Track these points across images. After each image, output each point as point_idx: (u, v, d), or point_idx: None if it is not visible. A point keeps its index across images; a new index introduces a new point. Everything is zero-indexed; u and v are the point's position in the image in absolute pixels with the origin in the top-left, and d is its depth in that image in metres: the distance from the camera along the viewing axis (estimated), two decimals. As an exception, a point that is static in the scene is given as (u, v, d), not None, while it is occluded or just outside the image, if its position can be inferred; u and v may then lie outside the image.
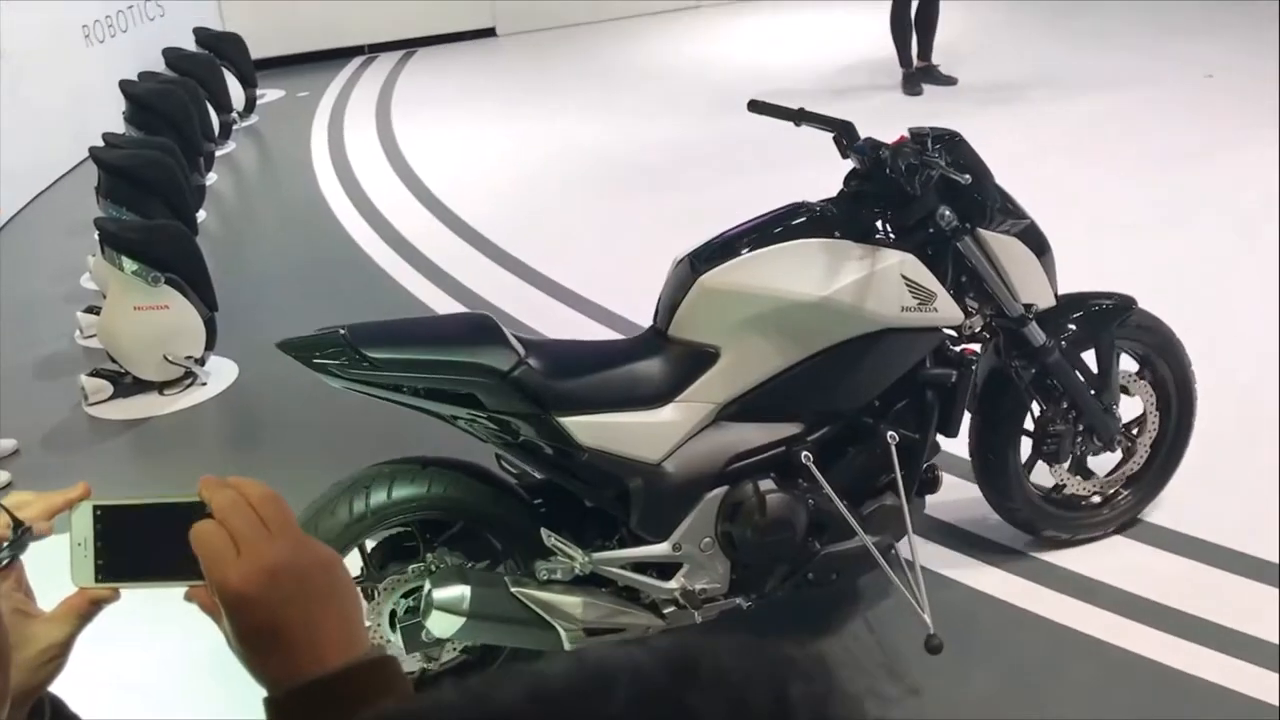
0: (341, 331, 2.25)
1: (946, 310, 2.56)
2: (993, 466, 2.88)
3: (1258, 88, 6.39)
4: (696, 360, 2.45)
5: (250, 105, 8.43)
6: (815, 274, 2.44)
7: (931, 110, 6.61)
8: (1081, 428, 2.85)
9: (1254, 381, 3.57)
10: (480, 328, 2.33)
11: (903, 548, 2.65)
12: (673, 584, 2.49)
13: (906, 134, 2.59)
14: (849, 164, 2.62)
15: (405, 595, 2.45)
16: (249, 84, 8.43)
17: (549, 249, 5.24)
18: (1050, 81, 6.93)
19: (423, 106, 8.36)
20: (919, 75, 7.06)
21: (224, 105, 7.66)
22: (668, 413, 2.43)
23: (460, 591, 2.34)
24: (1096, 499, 3.00)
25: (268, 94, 9.05)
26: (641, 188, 6.01)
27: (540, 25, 10.38)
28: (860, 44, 8.20)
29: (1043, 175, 5.04)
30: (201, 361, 4.39)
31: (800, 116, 2.71)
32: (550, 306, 4.65)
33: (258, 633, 0.74)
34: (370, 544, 2.48)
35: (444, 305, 4.76)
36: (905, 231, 2.55)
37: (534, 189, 6.21)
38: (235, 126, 7.98)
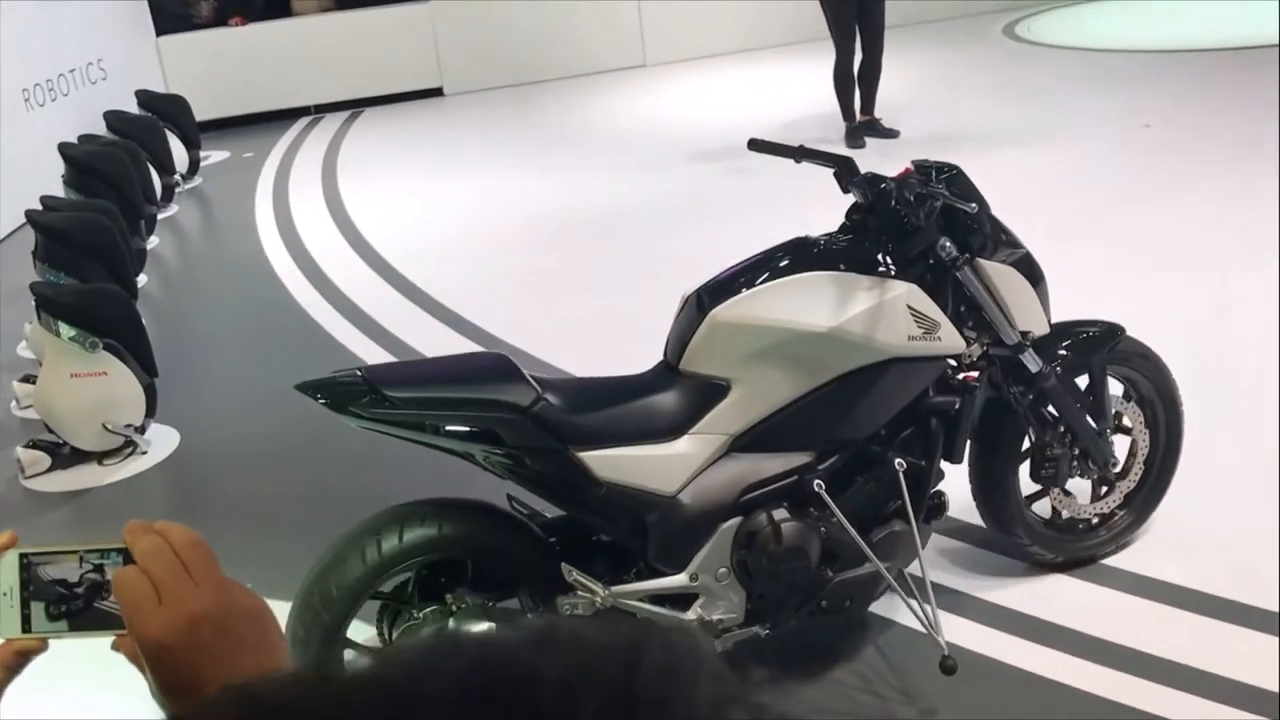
0: (359, 373, 2.31)
1: (950, 339, 2.64)
2: (994, 494, 2.95)
3: (1193, 138, 6.52)
4: (708, 393, 2.51)
5: (194, 167, 8.37)
6: (825, 305, 2.51)
7: (873, 164, 6.66)
8: (1077, 451, 2.93)
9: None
10: (497, 366, 2.40)
11: (911, 572, 2.73)
12: (690, 615, 2.52)
13: (911, 166, 2.70)
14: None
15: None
16: (192, 145, 8.37)
17: (495, 307, 5.21)
18: (988, 134, 7.03)
19: (369, 166, 8.34)
20: (862, 129, 7.15)
21: (166, 167, 7.58)
22: (682, 445, 2.48)
23: (486, 628, 2.32)
24: (1095, 520, 3.07)
25: (212, 155, 8.99)
26: (591, 244, 6.01)
27: (487, 85, 10.43)
28: (804, 98, 8.30)
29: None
30: (142, 429, 4.29)
31: (800, 154, 2.82)
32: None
33: (178, 684, 0.72)
34: (385, 588, 2.46)
35: (391, 367, 4.69)
36: (907, 263, 2.61)
37: (481, 248, 6.18)
38: (178, 188, 7.90)
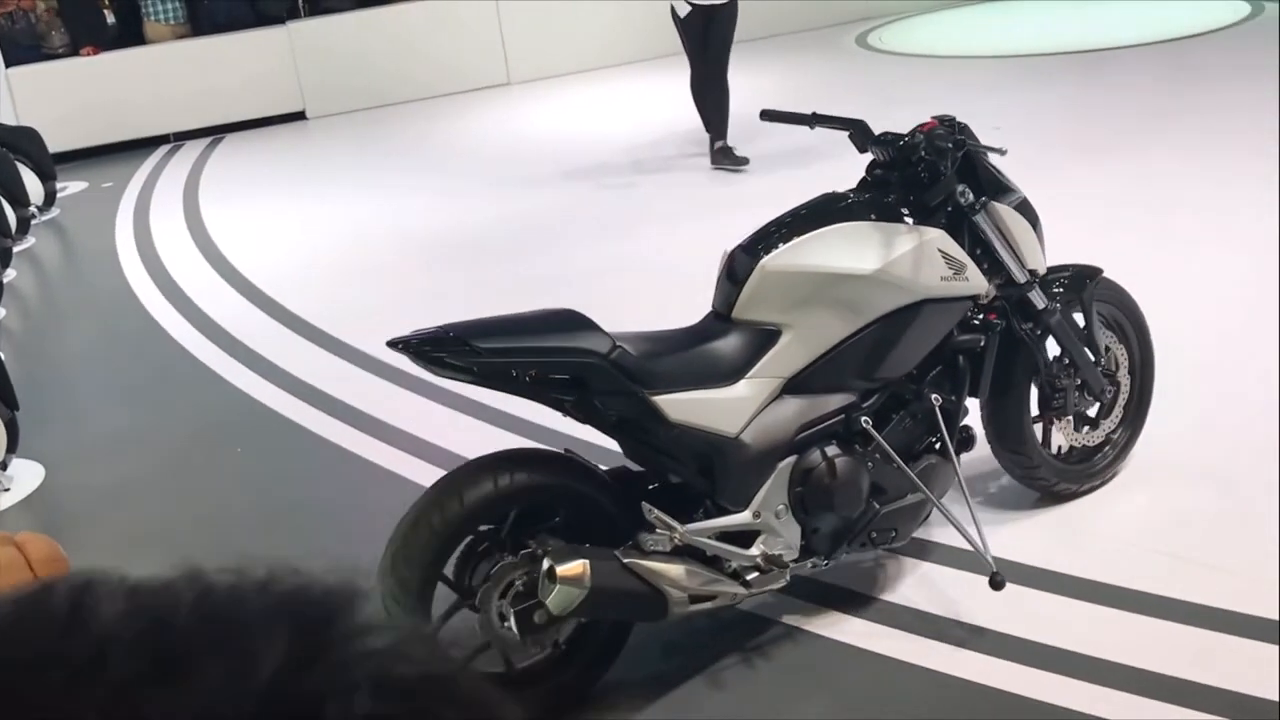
0: (449, 330, 2.43)
1: (976, 279, 2.88)
2: (1013, 430, 3.12)
3: (1037, 136, 6.83)
4: (762, 339, 2.69)
5: (50, 199, 8.17)
6: (867, 251, 2.73)
7: (732, 180, 6.85)
8: (1080, 382, 3.15)
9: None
10: (574, 318, 2.54)
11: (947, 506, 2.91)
12: (754, 550, 2.67)
13: (934, 119, 2.93)
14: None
15: (508, 587, 2.51)
16: (47, 177, 8.17)
17: (367, 328, 5.19)
18: (836, 150, 7.25)
19: (232, 192, 8.24)
20: (726, 150, 7.16)
21: (20, 200, 7.40)
22: (741, 388, 2.64)
23: (581, 564, 2.45)
24: (1098, 443, 3.29)
25: (69, 186, 8.78)
26: (461, 262, 6.04)
27: (351, 107, 10.36)
28: (669, 112, 8.45)
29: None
30: (3, 465, 4.20)
31: (814, 120, 3.09)
32: (373, 385, 4.61)
33: None
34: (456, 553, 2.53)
35: (260, 390, 4.68)
36: (929, 211, 2.85)
37: (350, 269, 6.17)
38: (34, 221, 7.71)
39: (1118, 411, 3.30)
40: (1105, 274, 3.23)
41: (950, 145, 2.82)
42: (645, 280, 5.34)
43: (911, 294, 2.76)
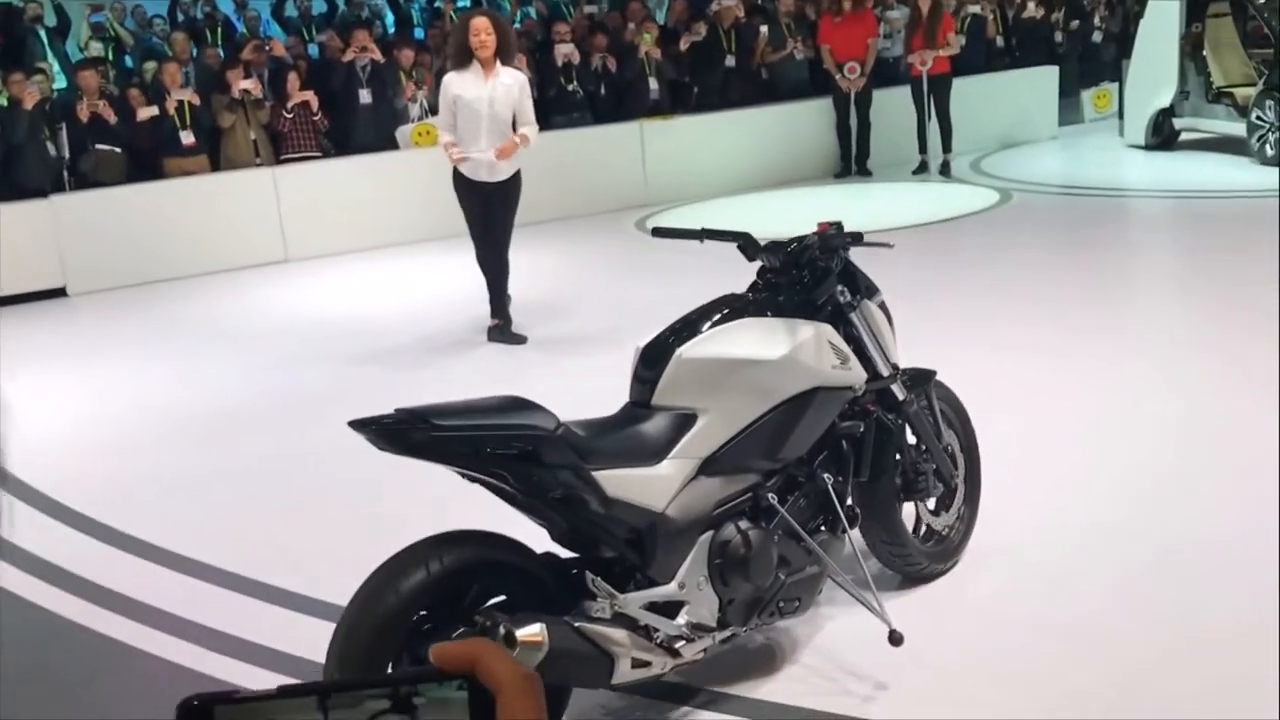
0: (409, 412, 2.51)
1: (857, 370, 3.20)
2: (882, 511, 3.37)
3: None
4: (680, 422, 2.90)
5: None
6: (773, 340, 3.02)
7: (509, 358, 6.85)
8: (935, 467, 3.47)
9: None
10: (521, 400, 2.70)
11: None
12: (680, 620, 2.84)
13: (825, 224, 3.29)
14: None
15: None
16: None
17: (132, 507, 4.85)
18: (630, 313, 7.39)
19: (-19, 370, 7.65)
20: (502, 327, 7.04)
21: None
22: (665, 467, 2.84)
23: (539, 628, 2.54)
24: (944, 530, 3.61)
25: None
26: (227, 438, 5.76)
27: (117, 283, 9.89)
28: (448, 291, 8.44)
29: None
30: None
31: (703, 235, 3.39)
32: (143, 571, 4.26)
33: None
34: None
35: (22, 584, 4.24)
36: (813, 309, 3.18)
37: (114, 449, 5.78)
38: None
39: (959, 496, 3.64)
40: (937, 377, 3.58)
41: (840, 244, 3.20)
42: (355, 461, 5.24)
43: (811, 380, 3.04)
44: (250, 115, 10.74)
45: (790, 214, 10.93)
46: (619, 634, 2.69)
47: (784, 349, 3.01)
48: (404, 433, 2.49)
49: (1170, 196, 10.17)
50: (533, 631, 2.52)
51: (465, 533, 2.66)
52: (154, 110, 10.36)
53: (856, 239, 3.26)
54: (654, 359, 2.96)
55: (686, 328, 3.02)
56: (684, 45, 12.32)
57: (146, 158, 10.57)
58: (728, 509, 2.95)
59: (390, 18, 14.37)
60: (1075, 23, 14.52)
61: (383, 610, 2.47)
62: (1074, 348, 5.92)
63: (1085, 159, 12.54)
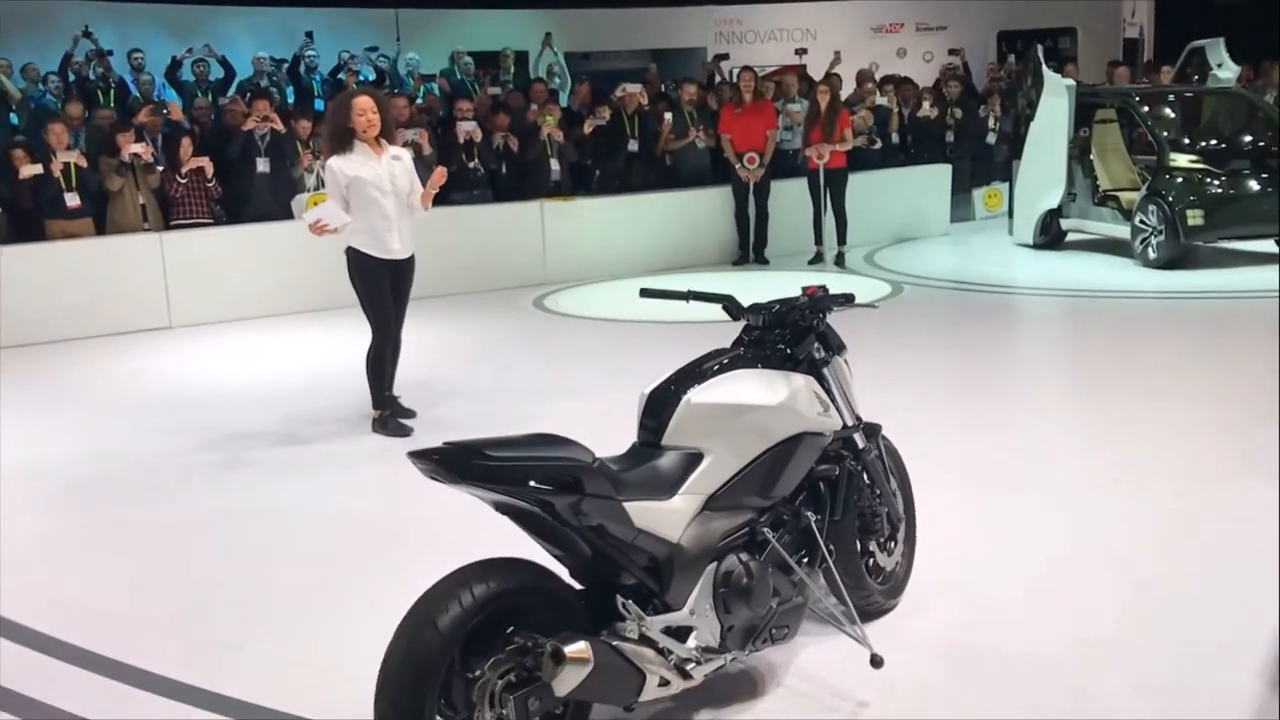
0: (463, 445, 2.68)
1: (834, 418, 3.57)
2: (846, 550, 3.65)
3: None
4: (688, 461, 3.15)
5: None
6: (771, 388, 3.35)
7: (383, 446, 6.69)
8: (886, 510, 3.82)
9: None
10: (555, 436, 2.89)
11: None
12: (691, 643, 3.08)
13: (814, 287, 3.67)
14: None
15: (501, 676, 2.72)
16: None
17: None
18: (527, 392, 7.28)
19: None
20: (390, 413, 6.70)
21: None
22: (677, 502, 3.08)
23: (584, 644, 2.73)
24: (891, 566, 3.91)
25: None
26: (104, 504, 5.50)
27: (-13, 345, 9.50)
28: (334, 362, 8.25)
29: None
30: None
31: (690, 296, 3.73)
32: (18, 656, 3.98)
33: None
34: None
35: None
36: (794, 363, 3.52)
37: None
38: None
39: (901, 537, 3.97)
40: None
41: (830, 305, 3.59)
42: (286, 525, 5.14)
43: (799, 425, 3.37)
44: (139, 179, 10.48)
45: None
46: (649, 652, 2.93)
47: (781, 396, 3.34)
48: (460, 463, 2.66)
49: (1056, 294, 10.43)
50: (579, 649, 2.72)
51: (493, 561, 2.80)
52: (38, 169, 10.05)
53: (848, 299, 3.61)
54: (663, 403, 3.20)
55: (691, 375, 3.29)
56: (587, 128, 12.40)
57: (29, 218, 10.22)
58: (729, 542, 3.21)
59: (291, 89, 14.23)
60: (964, 118, 14.95)
61: (424, 648, 2.60)
62: (955, 432, 5.96)
63: (975, 255, 12.84)
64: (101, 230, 10.39)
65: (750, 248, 12.54)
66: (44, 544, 5.09)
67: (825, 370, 3.59)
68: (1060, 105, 12.31)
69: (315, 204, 10.56)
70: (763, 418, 3.28)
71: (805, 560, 3.42)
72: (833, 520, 3.55)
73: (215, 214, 10.91)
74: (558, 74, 15.46)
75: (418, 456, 2.67)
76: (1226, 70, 12.94)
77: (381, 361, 6.60)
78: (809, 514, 3.43)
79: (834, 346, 3.67)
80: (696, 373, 3.31)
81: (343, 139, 6.29)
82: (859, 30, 20.25)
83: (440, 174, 6.57)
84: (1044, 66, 12.93)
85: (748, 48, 19.35)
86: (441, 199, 11.52)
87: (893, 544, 3.93)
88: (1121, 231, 11.71)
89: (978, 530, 4.67)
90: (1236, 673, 3.41)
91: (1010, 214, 13.37)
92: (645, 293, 3.85)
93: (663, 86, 14.42)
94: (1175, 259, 10.96)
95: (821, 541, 3.43)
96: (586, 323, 10.01)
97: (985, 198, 15.24)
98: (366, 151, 6.30)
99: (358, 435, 6.57)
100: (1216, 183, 11.03)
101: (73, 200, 10.14)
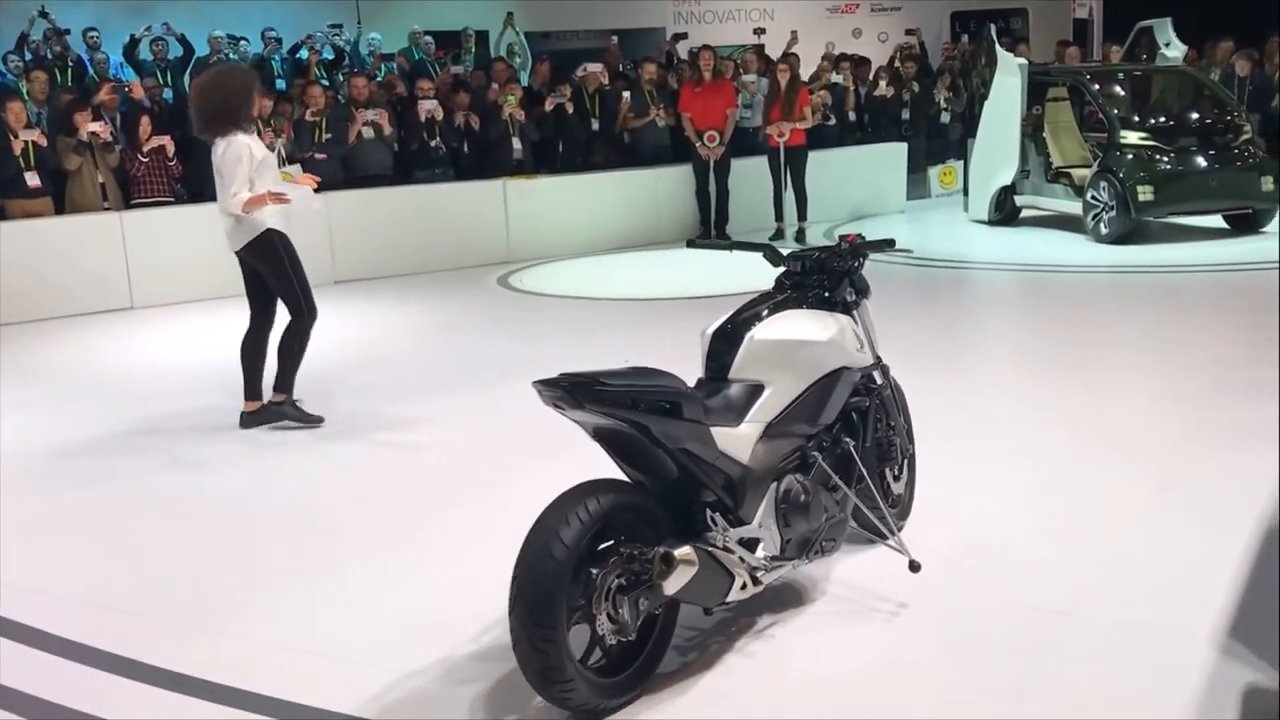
0: (580, 377, 3.04)
1: (867, 355, 4.01)
2: (872, 476, 3.95)
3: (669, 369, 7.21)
4: (751, 392, 3.51)
5: None
6: (822, 325, 3.76)
7: (343, 424, 6.76)
8: (896, 441, 4.21)
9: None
10: (651, 369, 3.24)
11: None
12: (760, 554, 3.45)
13: (853, 235, 4.07)
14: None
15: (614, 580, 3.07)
16: None
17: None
18: (492, 369, 7.37)
19: None
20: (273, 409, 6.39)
21: None
22: (745, 429, 3.43)
23: (690, 549, 3.13)
24: (899, 493, 4.30)
25: None
26: (68, 482, 5.53)
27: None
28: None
29: (417, 491, 5.26)
30: None
31: (733, 245, 4.25)
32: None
33: None
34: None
35: None
36: (830, 305, 3.91)
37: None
38: None
39: (906, 466, 4.33)
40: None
41: (869, 251, 4.00)
42: (246, 509, 5.18)
43: (842, 359, 3.78)
44: (98, 159, 10.43)
45: (651, 275, 11.09)
46: (733, 558, 3.29)
47: (831, 333, 3.75)
48: (582, 390, 3.00)
49: (1010, 269, 10.63)
50: (687, 552, 3.10)
51: (596, 483, 3.11)
52: (-6, 148, 9.97)
53: (885, 245, 4.04)
54: (728, 340, 3.57)
55: (746, 317, 3.65)
56: (549, 107, 12.46)
57: (-12, 198, 10.15)
58: (786, 464, 3.59)
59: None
60: (920, 96, 15.12)
61: (552, 562, 2.90)
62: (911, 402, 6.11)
63: (931, 232, 13.04)
64: (61, 210, 10.33)
65: (711, 225, 12.67)
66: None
67: (855, 312, 3.99)
68: (1013, 84, 12.51)
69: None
70: (816, 352, 3.68)
71: (845, 482, 3.79)
72: (864, 446, 3.94)
73: (176, 193, 10.88)
74: (518, 53, 15.48)
75: (545, 385, 3.02)
76: (1174, 49, 13.19)
77: (263, 349, 6.36)
78: (847, 440, 3.82)
79: (862, 290, 4.05)
80: (752, 313, 3.67)
81: (249, 120, 6.16)
82: (815, 11, 20.38)
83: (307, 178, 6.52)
84: (997, 46, 13.13)
85: (706, 28, 19.43)
86: (404, 178, 11.67)
87: (901, 471, 4.31)
88: (1074, 207, 11.94)
89: (928, 495, 4.81)
90: (1188, 639, 3.52)
91: (965, 191, 13.58)
92: (692, 243, 4.47)
93: (620, 66, 14.47)
94: (1126, 234, 11.20)
95: (860, 464, 3.82)
96: (551, 300, 10.10)
97: (940, 175, 15.46)
98: (254, 135, 6.20)
99: (333, 401, 6.63)
100: (1166, 159, 11.28)
101: (33, 180, 10.08)
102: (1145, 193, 11.04)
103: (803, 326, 3.69)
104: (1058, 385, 6.52)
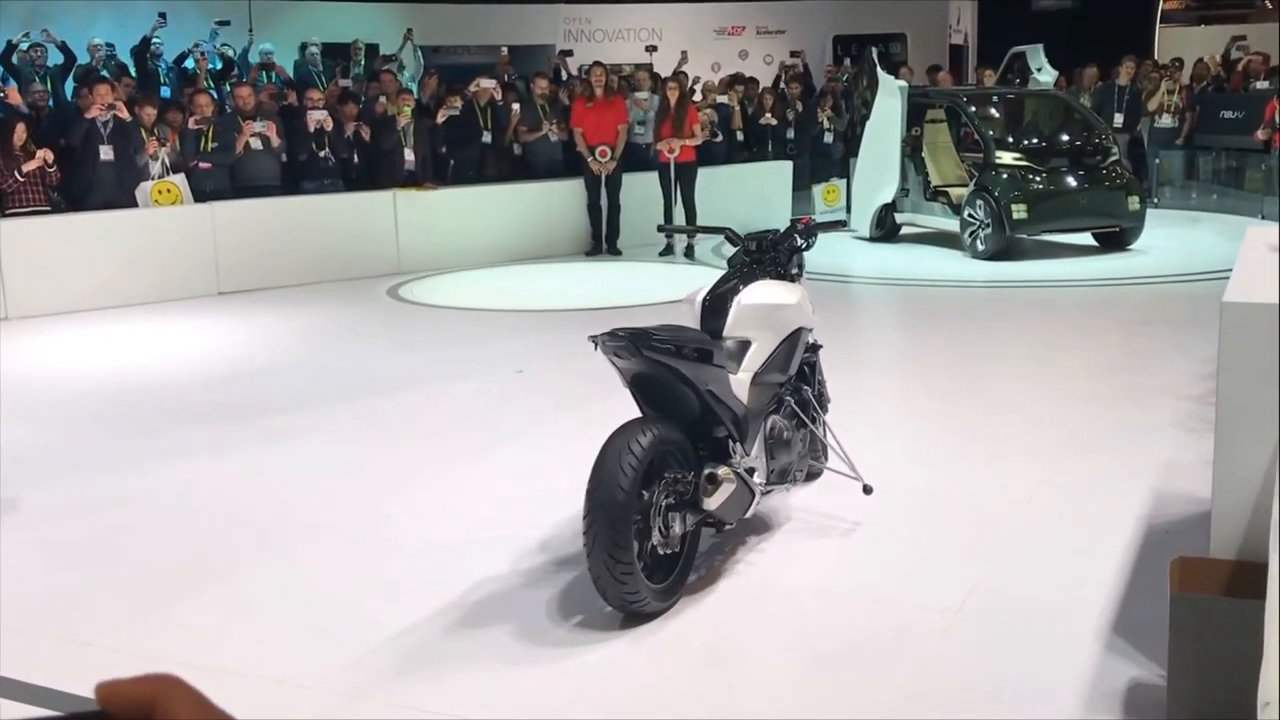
0: (629, 330, 3.78)
1: (815, 318, 4.68)
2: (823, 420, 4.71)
3: (554, 380, 7.29)
4: (741, 347, 4.24)
5: None
6: (790, 292, 4.53)
7: (229, 435, 6.69)
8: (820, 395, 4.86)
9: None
10: (679, 325, 4.03)
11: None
12: (758, 479, 4.13)
13: (807, 218, 5.05)
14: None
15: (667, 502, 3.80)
16: None
17: None
18: (383, 381, 7.35)
19: None
20: None
21: None
22: (742, 377, 4.18)
23: (728, 469, 3.92)
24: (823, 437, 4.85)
25: None
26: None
27: None
28: (180, 352, 8.14)
29: (375, 471, 5.26)
30: None
31: (697, 230, 5.88)
32: None
33: None
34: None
35: None
36: (784, 277, 4.63)
37: None
38: None
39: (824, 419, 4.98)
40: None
41: (818, 230, 4.92)
42: (129, 520, 5.11)
43: (804, 320, 4.52)
44: (-28, 165, 10.10)
45: (542, 287, 11.15)
46: (754, 482, 4.03)
47: (797, 297, 4.50)
48: (638, 340, 3.70)
49: (892, 284, 10.96)
50: (726, 472, 3.87)
51: (637, 422, 3.80)
52: None
53: (837, 224, 5.40)
54: (720, 305, 4.30)
55: (730, 287, 4.36)
56: (440, 118, 12.45)
57: None
58: (768, 407, 4.31)
59: (135, 74, 13.85)
60: (804, 116, 15.47)
61: (619, 486, 3.55)
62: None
63: (816, 247, 13.27)
64: (-69, 217, 9.98)
65: (603, 238, 12.77)
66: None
67: (799, 283, 4.71)
68: (894, 105, 12.89)
69: (161, 192, 10.43)
70: (788, 314, 4.42)
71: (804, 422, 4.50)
72: (816, 394, 4.69)
73: (54, 201, 10.59)
74: (406, 65, 15.43)
75: (608, 336, 3.72)
76: (1046, 74, 13.75)
77: None
78: (805, 388, 4.58)
79: (803, 266, 4.84)
80: (731, 285, 4.39)
81: None
82: (703, 32, 20.71)
83: None
84: (879, 68, 13.53)
85: (596, 46, 19.59)
86: (291, 189, 11.54)
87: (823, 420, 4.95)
88: (952, 225, 12.34)
89: (813, 504, 4.97)
90: (1073, 636, 3.72)
91: (848, 209, 13.92)
92: (662, 228, 5.28)
93: (506, 76, 14.52)
94: (1001, 250, 11.62)
95: (816, 408, 4.59)
96: (441, 311, 10.10)
97: (824, 194, 15.78)
98: None
99: (200, 426, 6.55)
100: (1038, 179, 11.75)
101: (-99, 186, 9.73)
102: (1019, 211, 11.47)
103: (777, 293, 4.43)
104: (940, 394, 6.76)
